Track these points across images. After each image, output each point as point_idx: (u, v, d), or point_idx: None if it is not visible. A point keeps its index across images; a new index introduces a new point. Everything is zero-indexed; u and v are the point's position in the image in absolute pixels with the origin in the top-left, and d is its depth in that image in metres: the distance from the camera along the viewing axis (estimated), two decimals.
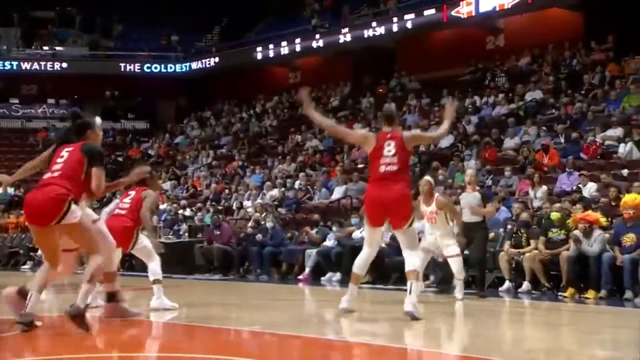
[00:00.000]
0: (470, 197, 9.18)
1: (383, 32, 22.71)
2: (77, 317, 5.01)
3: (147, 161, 24.36)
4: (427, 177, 8.79)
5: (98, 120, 5.82)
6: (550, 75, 18.13)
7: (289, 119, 24.48)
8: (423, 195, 8.47)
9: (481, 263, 9.34)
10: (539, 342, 5.51)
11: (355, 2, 25.69)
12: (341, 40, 23.98)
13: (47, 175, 5.30)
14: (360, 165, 17.66)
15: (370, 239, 6.65)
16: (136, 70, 28.99)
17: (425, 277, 10.91)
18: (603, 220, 9.60)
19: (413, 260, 6.26)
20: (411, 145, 6.68)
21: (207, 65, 29.09)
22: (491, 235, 10.99)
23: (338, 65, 25.27)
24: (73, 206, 5.14)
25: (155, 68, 29.24)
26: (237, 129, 25.19)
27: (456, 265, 8.50)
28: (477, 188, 9.59)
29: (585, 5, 19.03)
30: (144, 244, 6.85)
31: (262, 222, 14.47)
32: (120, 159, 26.00)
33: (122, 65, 28.93)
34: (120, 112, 29.55)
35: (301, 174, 18.14)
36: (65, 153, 5.35)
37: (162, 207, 17.16)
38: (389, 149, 6.29)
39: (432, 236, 8.59)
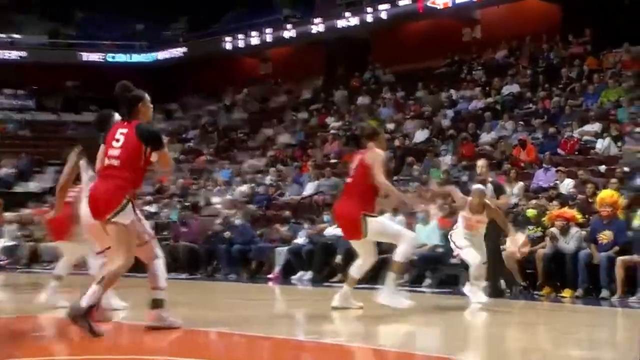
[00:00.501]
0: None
1: (357, 23, 22.75)
2: (77, 317, 4.84)
3: None
4: (480, 188, 8.12)
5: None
6: (528, 69, 18.35)
7: (260, 112, 24.42)
8: (472, 205, 7.97)
9: (495, 259, 8.92)
10: (514, 342, 5.59)
11: None
12: (314, 31, 23.97)
13: (106, 162, 5.23)
14: (332, 161, 17.70)
15: (357, 250, 7.09)
16: (99, 60, 28.65)
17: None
18: (580, 217, 9.76)
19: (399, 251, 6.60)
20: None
21: (174, 56, 28.83)
22: None
23: (310, 56, 25.25)
24: (129, 206, 5.09)
25: (119, 58, 28.94)
26: (205, 122, 25.05)
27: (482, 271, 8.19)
28: (490, 179, 9.34)
29: None
30: None
31: (231, 219, 14.42)
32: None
33: (84, 54, 28.56)
34: (82, 103, 29.19)
35: (272, 169, 18.13)
36: (120, 136, 5.23)
37: None
38: (352, 166, 6.98)
39: (467, 241, 8.07)
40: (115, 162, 5.14)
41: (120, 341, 5.57)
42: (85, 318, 4.83)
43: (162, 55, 29.06)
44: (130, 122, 5.28)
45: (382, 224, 6.98)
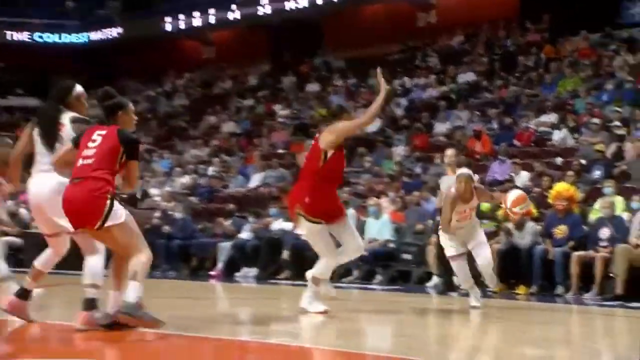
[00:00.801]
0: (451, 181, 9.11)
1: (306, 5, 22.72)
2: (133, 313, 4.94)
3: None
4: (468, 172, 7.42)
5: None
6: (484, 56, 18.64)
7: (202, 99, 24.22)
8: (462, 194, 7.24)
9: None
10: (466, 341, 5.70)
11: None
12: (260, 12, 23.84)
13: (78, 163, 5.13)
14: (280, 151, 17.69)
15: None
16: (26, 39, 27.98)
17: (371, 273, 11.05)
18: (535, 211, 10.00)
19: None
20: (330, 143, 6.27)
21: (109, 37, 28.34)
22: (419, 227, 11.28)
23: (257, 39, 25.15)
24: (116, 204, 5.04)
25: (48, 38, 28.31)
26: (143, 108, 24.66)
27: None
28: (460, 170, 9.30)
29: None
30: None
31: (171, 213, 14.30)
32: (8, 140, 25.04)
33: (9, 33, 27.84)
34: (8, 86, 28.47)
35: (215, 160, 18.03)
36: (97, 137, 5.18)
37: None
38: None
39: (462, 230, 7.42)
40: (90, 161, 5.10)
41: (46, 343, 5.49)
42: (141, 310, 4.99)
43: (95, 35, 28.54)
44: (110, 125, 5.27)
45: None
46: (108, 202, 4.98)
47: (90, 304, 5.34)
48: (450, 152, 9.45)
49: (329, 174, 6.32)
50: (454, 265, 7.49)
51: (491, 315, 7.47)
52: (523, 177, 12.32)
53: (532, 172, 12.48)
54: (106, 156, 5.10)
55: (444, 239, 7.55)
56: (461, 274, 7.48)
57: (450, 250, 7.43)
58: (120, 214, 5.06)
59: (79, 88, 5.82)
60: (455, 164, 9.18)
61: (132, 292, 5.03)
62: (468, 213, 7.34)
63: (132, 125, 5.48)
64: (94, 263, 5.56)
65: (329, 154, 6.27)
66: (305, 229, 6.58)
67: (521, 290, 9.42)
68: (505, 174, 12.68)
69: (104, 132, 5.19)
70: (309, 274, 6.56)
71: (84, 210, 5.02)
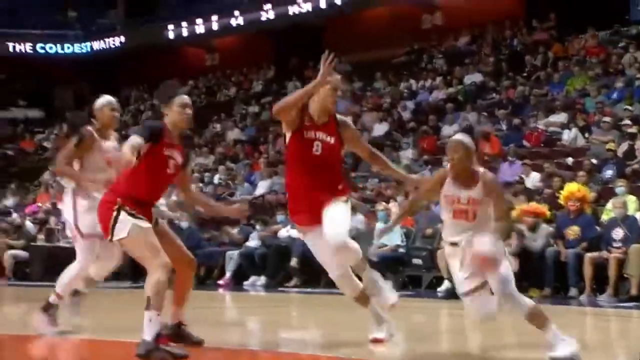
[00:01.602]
0: None
1: (310, 9, 22.75)
2: (151, 353, 4.53)
3: (42, 154, 23.79)
4: (462, 138, 4.87)
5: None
6: (491, 57, 18.62)
7: (207, 106, 24.25)
8: (454, 170, 4.77)
9: None
10: (477, 348, 5.66)
11: None
12: (263, 18, 23.89)
13: None
14: None
15: None
16: (28, 50, 28.09)
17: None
18: (549, 213, 9.96)
19: None
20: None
21: (111, 46, 28.43)
22: (429, 231, 11.25)
23: (260, 45, 25.19)
24: (121, 216, 4.79)
25: (51, 48, 28.42)
26: (147, 117, 24.75)
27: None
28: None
29: None
30: None
31: (177, 222, 14.30)
32: (11, 152, 25.18)
33: (11, 44, 27.97)
34: (10, 98, 28.60)
35: (221, 167, 18.04)
36: None
37: (60, 206, 16.72)
38: None
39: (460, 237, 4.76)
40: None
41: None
42: (159, 349, 4.56)
43: (98, 45, 28.63)
44: None
45: None
46: (114, 213, 4.79)
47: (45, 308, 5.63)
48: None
49: (292, 161, 5.15)
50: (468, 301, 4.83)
51: (504, 319, 7.42)
52: (533, 178, 12.29)
53: (543, 172, 12.44)
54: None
55: (452, 265, 4.92)
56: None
57: (462, 284, 4.78)
58: (122, 227, 4.78)
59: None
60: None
61: (147, 327, 4.57)
62: (468, 209, 4.68)
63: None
64: (66, 270, 5.69)
65: (287, 137, 5.17)
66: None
67: (534, 293, 9.36)
68: (515, 176, 12.64)
69: None
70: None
71: (98, 220, 4.94)
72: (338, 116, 5.22)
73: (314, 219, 4.95)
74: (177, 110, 5.06)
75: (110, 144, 5.96)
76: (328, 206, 4.91)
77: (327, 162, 5.01)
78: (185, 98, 5.19)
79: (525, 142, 14.32)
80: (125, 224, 4.77)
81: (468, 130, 15.29)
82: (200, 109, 24.31)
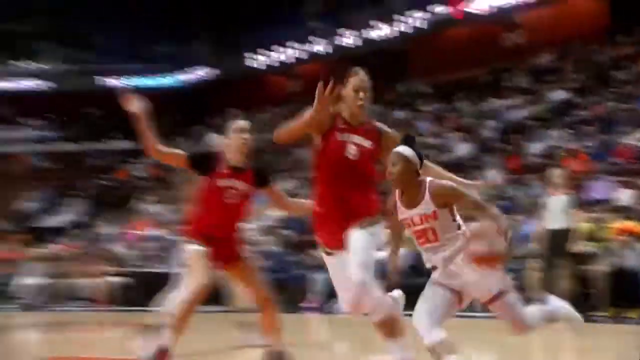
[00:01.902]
0: (559, 201, 8.95)
1: (391, 33, 22.84)
2: None
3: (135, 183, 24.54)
4: (404, 150, 4.11)
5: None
6: (575, 73, 18.19)
7: None
8: (395, 188, 4.23)
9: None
10: None
11: (359, 1, 25.88)
12: (345, 44, 24.10)
13: None
14: None
15: None
16: (120, 85, 29.19)
17: None
18: None
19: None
20: None
21: (199, 77, 29.36)
22: (517, 251, 11.01)
23: (341, 71, 25.30)
24: (187, 245, 5.10)
25: (142, 82, 29.44)
26: None
27: None
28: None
29: None
30: None
31: (266, 247, 14.48)
32: (106, 182, 26.06)
33: (105, 80, 29.11)
34: (105, 131, 29.71)
35: (302, 192, 18.16)
36: None
37: (151, 233, 17.21)
38: None
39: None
40: None
41: None
42: None
43: (186, 77, 29.50)
44: None
45: None
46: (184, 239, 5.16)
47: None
48: (557, 172, 9.31)
49: (321, 167, 4.51)
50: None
51: (602, 343, 7.19)
52: (625, 196, 11.88)
53: (636, 189, 12.02)
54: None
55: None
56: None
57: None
58: (183, 255, 5.12)
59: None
60: (563, 184, 9.04)
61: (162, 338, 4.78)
62: (426, 228, 4.06)
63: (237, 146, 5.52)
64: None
65: (317, 141, 4.55)
66: None
67: (633, 314, 9.02)
68: (605, 193, 12.26)
69: None
70: None
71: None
72: (379, 124, 4.66)
73: (340, 241, 4.33)
74: (234, 136, 5.13)
75: None
76: (354, 231, 4.25)
77: (361, 169, 4.38)
78: (241, 123, 5.23)
79: (614, 159, 13.89)
80: (185, 253, 5.07)
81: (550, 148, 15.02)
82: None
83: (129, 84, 29.24)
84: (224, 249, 5.06)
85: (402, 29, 22.55)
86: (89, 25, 31.34)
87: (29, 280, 15.36)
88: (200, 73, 29.33)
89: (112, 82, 29.14)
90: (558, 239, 8.92)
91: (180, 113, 30.09)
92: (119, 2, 29.68)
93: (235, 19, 29.99)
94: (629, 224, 9.74)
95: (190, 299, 4.79)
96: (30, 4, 30.39)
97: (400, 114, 21.01)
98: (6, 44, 31.05)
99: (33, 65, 30.29)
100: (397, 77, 23.56)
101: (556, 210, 8.97)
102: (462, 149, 16.98)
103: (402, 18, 22.68)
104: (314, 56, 25.47)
